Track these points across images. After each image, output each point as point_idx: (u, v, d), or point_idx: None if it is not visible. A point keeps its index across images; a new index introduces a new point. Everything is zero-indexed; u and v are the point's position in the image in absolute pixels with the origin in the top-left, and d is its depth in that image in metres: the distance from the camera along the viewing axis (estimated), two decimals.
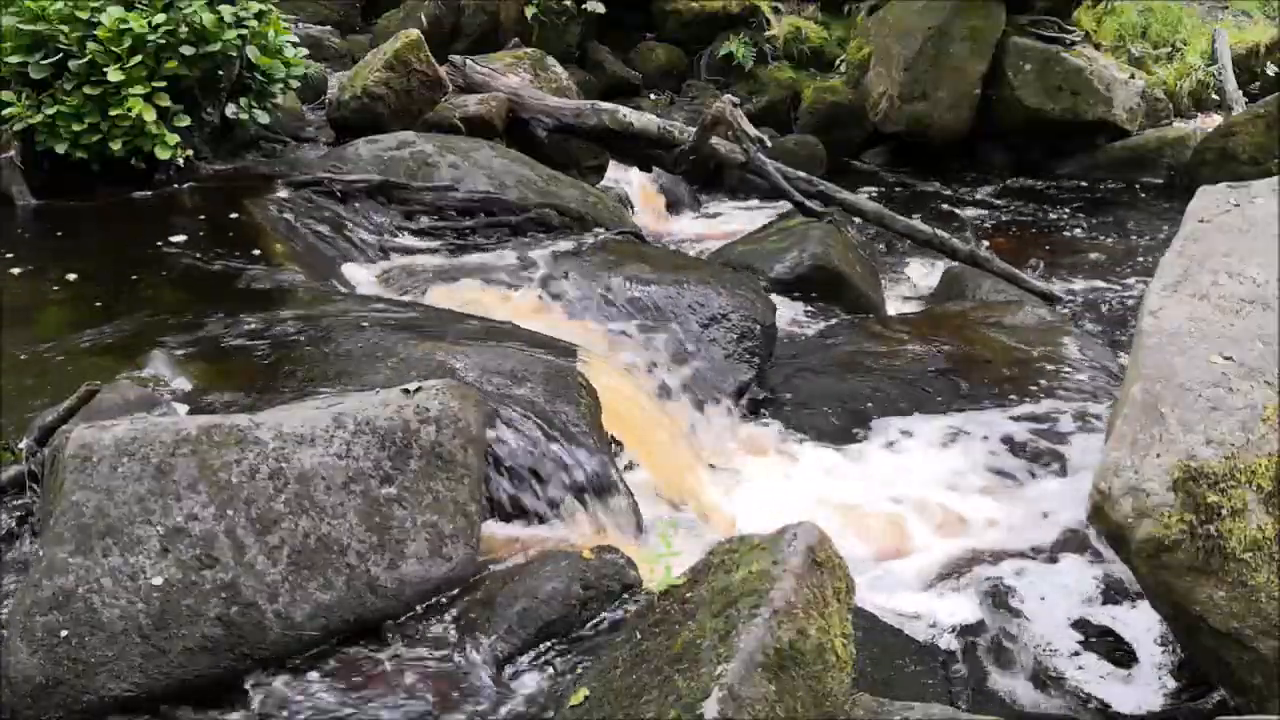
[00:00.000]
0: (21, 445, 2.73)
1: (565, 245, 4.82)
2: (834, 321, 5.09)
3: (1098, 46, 9.25)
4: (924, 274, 6.45)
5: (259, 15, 5.09)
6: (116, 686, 2.24)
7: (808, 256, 5.29)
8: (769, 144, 6.10)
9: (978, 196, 8.56)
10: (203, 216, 4.48)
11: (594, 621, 2.55)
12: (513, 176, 5.16)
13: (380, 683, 2.35)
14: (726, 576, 2.11)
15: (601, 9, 9.16)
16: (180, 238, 4.28)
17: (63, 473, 2.36)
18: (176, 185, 4.88)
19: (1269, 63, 9.98)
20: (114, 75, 4.54)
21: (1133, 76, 8.92)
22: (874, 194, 7.85)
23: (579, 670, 2.38)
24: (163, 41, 4.65)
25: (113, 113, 4.59)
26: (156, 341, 3.40)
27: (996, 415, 4.17)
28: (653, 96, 9.39)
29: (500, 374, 3.33)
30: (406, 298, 4.24)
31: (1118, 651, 2.99)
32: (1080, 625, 3.10)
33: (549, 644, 2.48)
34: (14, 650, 2.22)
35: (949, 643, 3.05)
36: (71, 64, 4.59)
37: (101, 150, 4.65)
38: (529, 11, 8.97)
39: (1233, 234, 3.17)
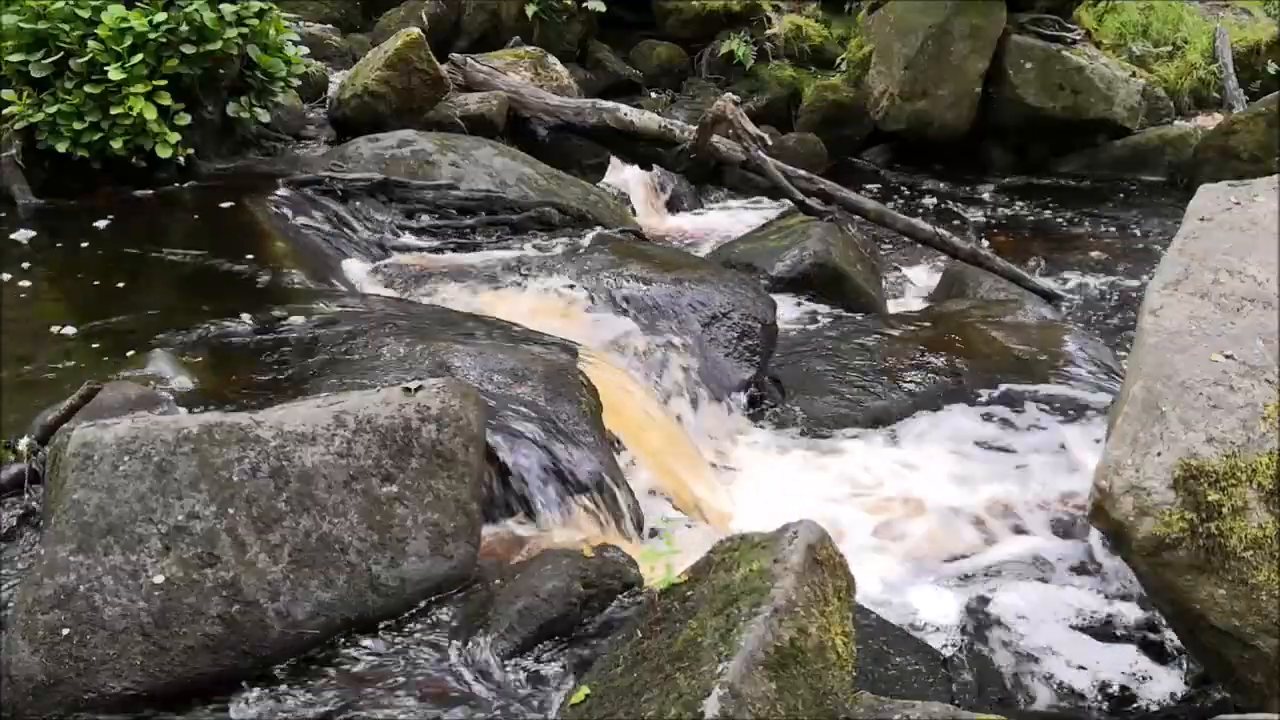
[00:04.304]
0: (22, 444, 2.73)
1: (566, 244, 4.82)
2: (835, 320, 5.08)
3: (1098, 45, 9.24)
4: (925, 272, 6.45)
5: (260, 13, 5.09)
6: (118, 685, 2.24)
7: (808, 255, 5.29)
8: (769, 142, 6.09)
9: (979, 195, 8.56)
10: (204, 215, 4.48)
11: (595, 620, 2.55)
12: (513, 175, 5.16)
13: (381, 682, 2.35)
14: (727, 575, 2.11)
15: (602, 7, 9.16)
16: (181, 236, 4.29)
17: (64, 471, 2.36)
18: (177, 184, 4.88)
19: (1270, 61, 9.96)
20: (115, 74, 4.54)
21: (1133, 75, 8.91)
22: (875, 192, 7.85)
23: (580, 668, 2.38)
24: (163, 40, 4.65)
25: (114, 111, 4.59)
26: (157, 340, 3.40)
27: (997, 414, 4.17)
28: (653, 95, 9.39)
29: (501, 372, 3.33)
30: (407, 296, 4.24)
31: (1118, 650, 3.00)
32: (1081, 624, 3.10)
33: (550, 642, 2.49)
34: (15, 648, 2.22)
35: (949, 641, 3.06)
36: (72, 62, 4.60)
37: (102, 149, 4.65)
38: (530, 10, 8.97)
39: (1234, 232, 3.17)
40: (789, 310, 5.04)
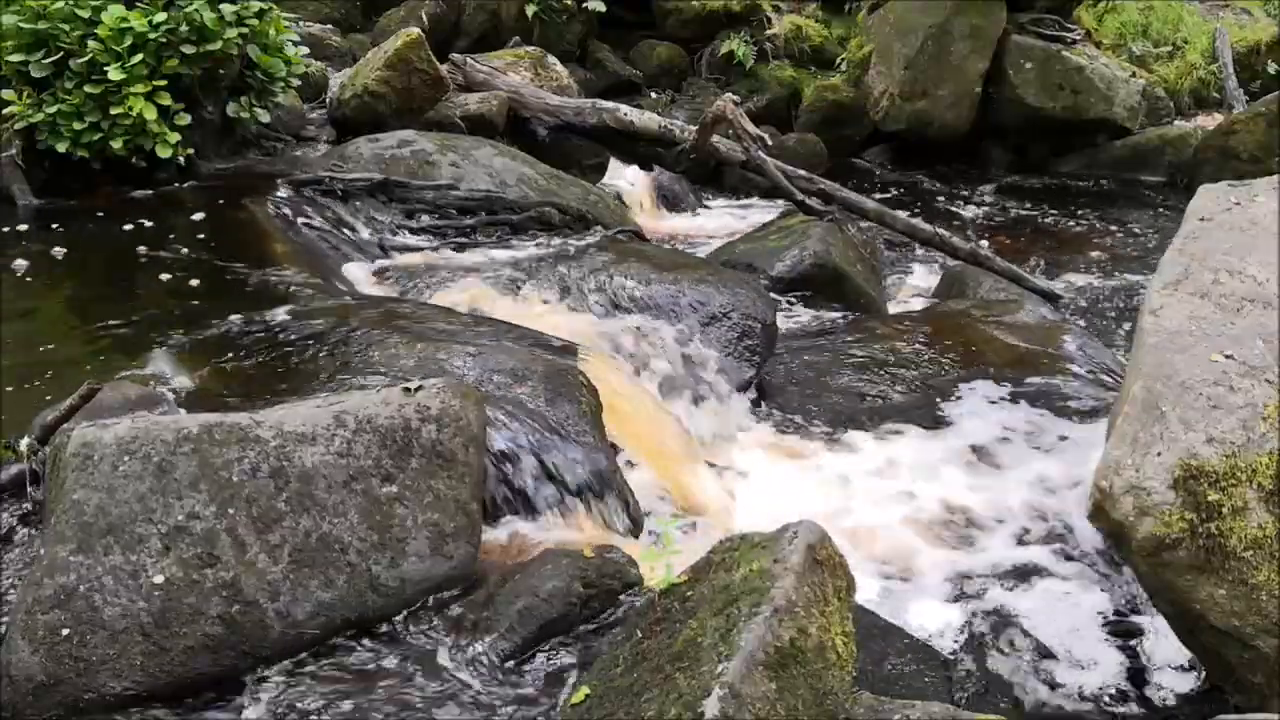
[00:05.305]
0: (23, 444, 2.73)
1: (566, 244, 4.82)
2: (835, 320, 5.08)
3: (1098, 45, 9.25)
4: (925, 272, 6.45)
5: (260, 14, 5.09)
6: (118, 685, 2.24)
7: (808, 255, 5.28)
8: (769, 142, 6.09)
9: (979, 195, 8.56)
10: (204, 215, 4.48)
11: (595, 620, 2.55)
12: (513, 175, 5.16)
13: (381, 682, 2.35)
14: (727, 575, 2.11)
15: (602, 7, 9.16)
16: (181, 236, 4.28)
17: (64, 471, 2.37)
18: (177, 184, 4.88)
19: (1270, 61, 9.97)
20: (115, 74, 4.54)
21: (1133, 75, 8.92)
22: (875, 192, 7.85)
23: (580, 668, 2.38)
24: (163, 40, 4.65)
25: (114, 111, 4.59)
26: (158, 340, 3.40)
27: (997, 413, 4.16)
28: (653, 95, 9.39)
29: (501, 373, 3.33)
30: (407, 296, 4.24)
31: (1118, 650, 3.00)
32: (1080, 623, 3.10)
33: (550, 642, 2.49)
34: (15, 648, 2.22)
35: (949, 641, 3.05)
36: (72, 62, 4.60)
37: (102, 149, 4.65)
38: (530, 10, 8.98)
39: (1234, 232, 3.17)
40: (789, 310, 5.04)
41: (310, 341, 3.46)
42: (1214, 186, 3.53)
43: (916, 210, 7.40)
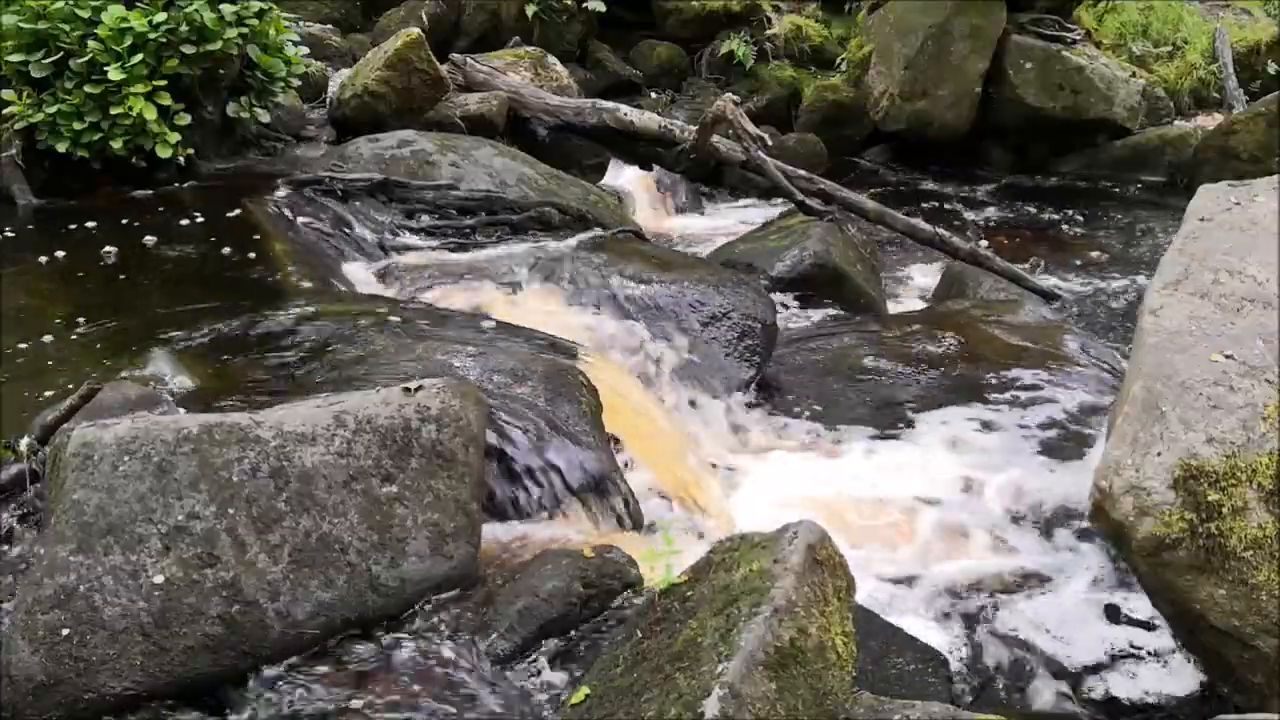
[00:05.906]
0: (22, 444, 2.73)
1: (566, 244, 4.82)
2: (835, 320, 5.08)
3: (1098, 45, 9.26)
4: (925, 273, 6.46)
5: (260, 14, 5.10)
6: (118, 685, 2.24)
7: (808, 255, 5.29)
8: (769, 142, 6.09)
9: (979, 195, 8.57)
10: (203, 215, 4.48)
11: (595, 620, 2.55)
12: (513, 175, 5.15)
13: (381, 681, 2.35)
14: (727, 575, 2.11)
15: (602, 7, 9.16)
16: (181, 236, 4.29)
17: (64, 471, 2.36)
18: (177, 184, 4.88)
19: (1270, 61, 9.97)
20: (115, 74, 4.55)
21: (1133, 75, 8.92)
22: (875, 192, 7.85)
23: (580, 668, 2.38)
24: (163, 40, 4.66)
25: (114, 111, 4.60)
26: (157, 340, 3.40)
27: (997, 414, 4.17)
28: (653, 95, 9.40)
29: (501, 373, 3.33)
30: (407, 297, 4.24)
31: (1118, 650, 2.99)
32: (1080, 624, 3.10)
33: (550, 642, 2.49)
34: (15, 649, 2.22)
35: (949, 641, 3.05)
36: (72, 62, 4.60)
37: (102, 149, 4.65)
38: (530, 10, 8.98)
39: (1234, 232, 3.17)
40: (789, 310, 5.04)
41: (310, 341, 3.46)
42: (1214, 186, 3.53)
43: (916, 210, 7.41)
